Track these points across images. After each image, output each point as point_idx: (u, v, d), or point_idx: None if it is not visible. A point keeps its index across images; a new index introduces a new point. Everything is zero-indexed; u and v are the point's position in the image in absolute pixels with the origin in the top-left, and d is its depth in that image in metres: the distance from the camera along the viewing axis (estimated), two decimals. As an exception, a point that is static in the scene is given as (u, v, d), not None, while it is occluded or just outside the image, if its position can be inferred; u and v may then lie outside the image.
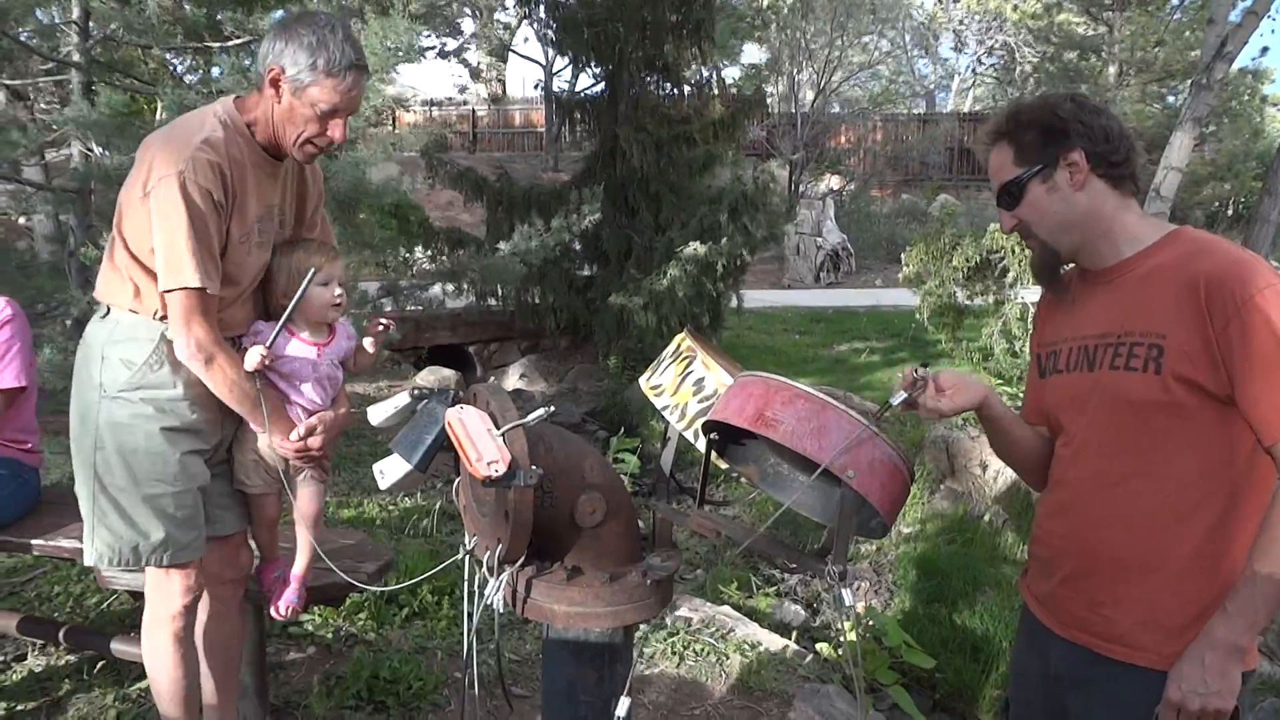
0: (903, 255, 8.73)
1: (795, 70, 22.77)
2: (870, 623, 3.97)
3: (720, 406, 1.90)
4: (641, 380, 2.33)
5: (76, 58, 4.55)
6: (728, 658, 3.49)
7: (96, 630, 3.08)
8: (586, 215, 6.64)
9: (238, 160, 2.08)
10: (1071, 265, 1.82)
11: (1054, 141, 1.68)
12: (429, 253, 7.97)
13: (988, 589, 4.63)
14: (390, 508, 4.87)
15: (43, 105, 8.59)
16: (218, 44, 4.67)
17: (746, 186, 8.06)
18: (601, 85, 8.81)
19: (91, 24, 4.63)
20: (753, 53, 25.01)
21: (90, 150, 4.46)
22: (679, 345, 2.32)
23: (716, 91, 9.41)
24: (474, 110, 25.67)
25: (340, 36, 2.04)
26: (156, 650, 2.28)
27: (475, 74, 26.41)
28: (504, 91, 27.27)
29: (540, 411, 1.88)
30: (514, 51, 25.46)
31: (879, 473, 1.74)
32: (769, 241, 8.85)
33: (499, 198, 8.43)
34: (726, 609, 3.90)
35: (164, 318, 2.12)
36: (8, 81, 4.85)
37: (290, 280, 2.24)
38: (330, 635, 3.43)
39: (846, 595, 1.77)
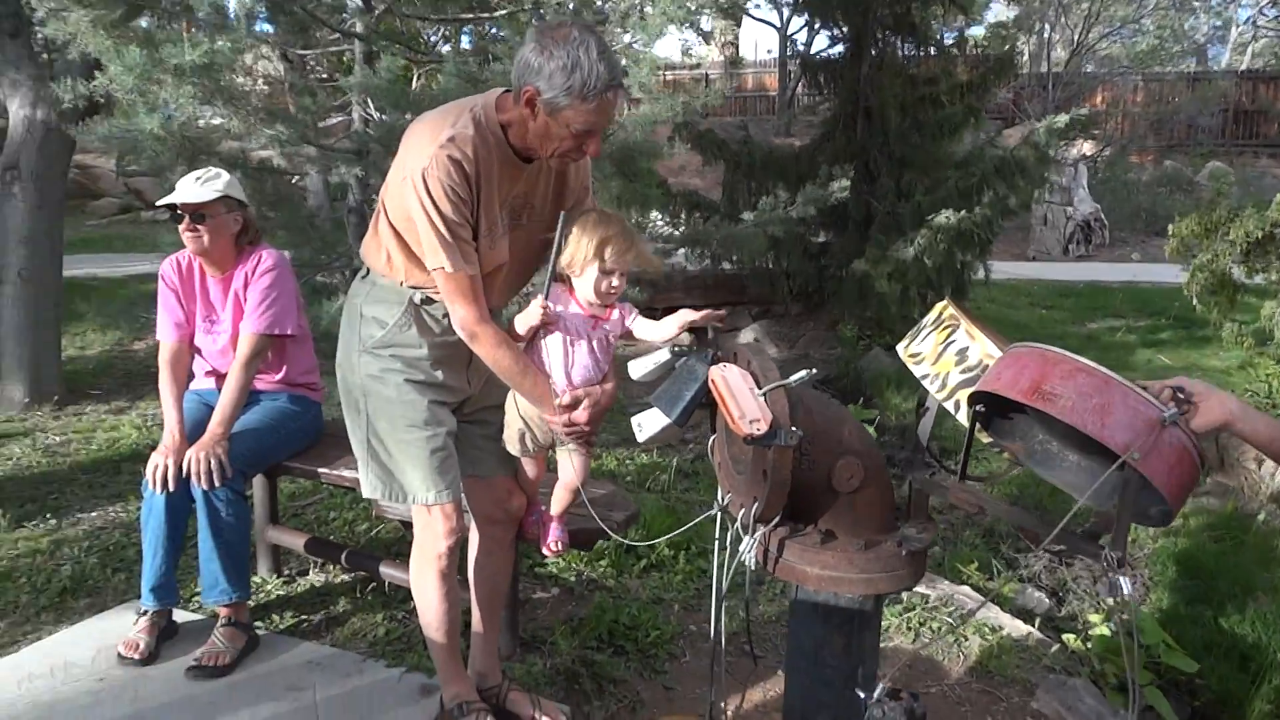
0: (1169, 227, 8.00)
1: (1047, 27, 21.26)
2: (1126, 617, 3.72)
3: (991, 377, 1.82)
4: (900, 347, 2.27)
5: (359, 29, 4.94)
6: (966, 639, 3.38)
7: (370, 554, 3.38)
8: (835, 191, 6.45)
9: (485, 158, 2.11)
10: None
11: None
12: (665, 217, 8.05)
13: (1260, 594, 4.22)
14: (627, 462, 5.02)
15: (311, 76, 9.36)
16: (485, 15, 4.94)
17: (1017, 150, 7.58)
18: (841, 47, 8.53)
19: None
20: (997, 10, 23.61)
21: (369, 115, 4.84)
22: (940, 313, 2.24)
23: (962, 52, 8.93)
24: (706, 74, 25.70)
25: (595, 55, 2.00)
26: (424, 585, 2.47)
27: (707, 38, 26.37)
28: (737, 54, 27.11)
29: (803, 373, 1.88)
30: (748, 14, 25.22)
31: (1167, 456, 1.61)
32: (1022, 210, 8.33)
33: (738, 160, 8.37)
34: (965, 589, 3.76)
35: (413, 286, 2.28)
36: (302, 51, 5.33)
37: (575, 256, 2.19)
38: (573, 579, 3.60)
39: (1125, 584, 1.67)
